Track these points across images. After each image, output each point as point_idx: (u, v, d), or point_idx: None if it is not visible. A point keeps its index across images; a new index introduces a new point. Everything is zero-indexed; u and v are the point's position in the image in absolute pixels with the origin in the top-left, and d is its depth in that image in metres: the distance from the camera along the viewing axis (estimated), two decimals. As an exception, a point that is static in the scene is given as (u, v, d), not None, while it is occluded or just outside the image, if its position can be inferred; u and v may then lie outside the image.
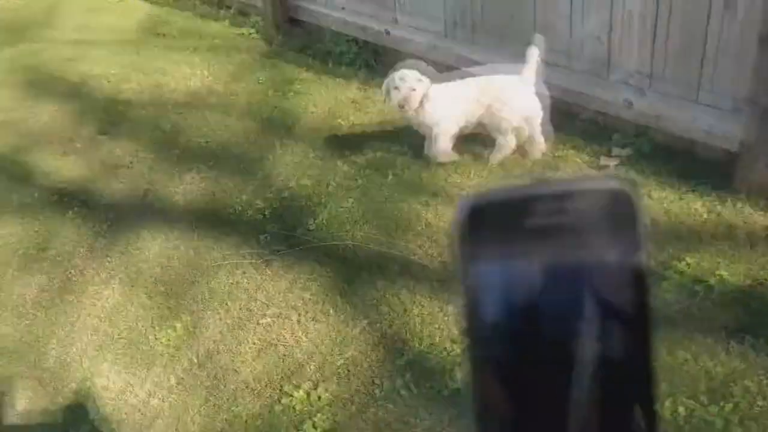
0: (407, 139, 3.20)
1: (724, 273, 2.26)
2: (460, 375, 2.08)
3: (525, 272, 0.30)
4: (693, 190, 2.64)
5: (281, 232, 2.87)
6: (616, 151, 2.93)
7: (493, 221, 0.30)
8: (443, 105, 2.94)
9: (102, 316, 2.69)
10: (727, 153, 2.66)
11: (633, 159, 2.87)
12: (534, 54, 2.78)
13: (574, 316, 0.29)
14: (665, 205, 2.61)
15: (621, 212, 0.30)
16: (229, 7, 5.14)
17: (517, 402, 0.30)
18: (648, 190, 2.69)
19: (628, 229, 0.30)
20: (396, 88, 2.95)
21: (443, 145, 3.00)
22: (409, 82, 2.93)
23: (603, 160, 2.88)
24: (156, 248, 2.96)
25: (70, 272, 2.93)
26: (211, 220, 3.03)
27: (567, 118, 3.21)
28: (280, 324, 2.47)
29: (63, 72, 4.60)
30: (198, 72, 4.35)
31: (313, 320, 2.44)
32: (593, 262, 0.29)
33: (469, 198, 0.30)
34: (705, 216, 2.52)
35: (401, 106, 2.96)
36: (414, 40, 3.73)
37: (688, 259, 2.32)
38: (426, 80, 2.96)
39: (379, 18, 3.96)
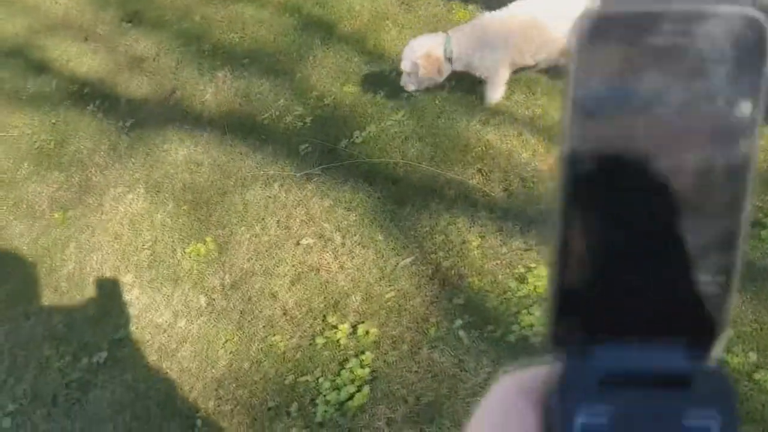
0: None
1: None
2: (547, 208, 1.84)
3: (639, 92, 0.28)
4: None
5: (324, 143, 2.59)
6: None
7: (613, 35, 0.27)
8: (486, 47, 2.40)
9: (125, 222, 2.46)
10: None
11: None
12: None
13: (677, 148, 0.28)
14: (763, 142, 2.30)
15: (749, 40, 0.27)
16: None
17: (608, 225, 0.29)
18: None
19: (753, 60, 0.27)
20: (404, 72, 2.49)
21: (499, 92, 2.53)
22: (409, 58, 2.44)
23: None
24: (184, 152, 2.69)
25: (91, 171, 2.68)
26: (246, 125, 2.75)
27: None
28: (322, 246, 2.22)
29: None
30: (231, -41, 3.95)
31: (359, 245, 2.19)
32: (708, 94, 0.27)
33: (590, 8, 0.27)
34: (810, 158, 2.22)
35: (412, 87, 2.52)
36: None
37: (792, 207, 2.03)
38: (437, 40, 2.42)
39: None
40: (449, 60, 2.44)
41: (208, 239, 2.33)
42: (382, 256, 2.15)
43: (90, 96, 3.04)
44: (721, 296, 0.30)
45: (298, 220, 2.32)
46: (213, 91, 2.98)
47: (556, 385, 0.29)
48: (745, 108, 0.28)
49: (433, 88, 2.57)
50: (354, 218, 2.28)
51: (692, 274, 0.29)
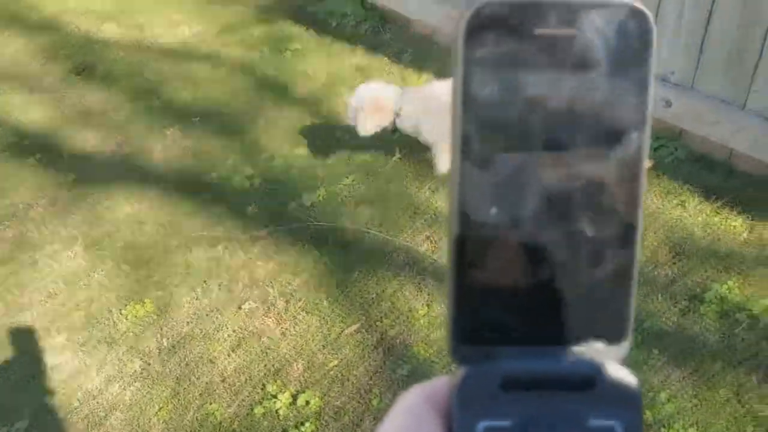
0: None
1: (770, 302, 2.03)
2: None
3: (528, 83, 0.27)
4: (731, 205, 2.40)
5: (271, 205, 2.56)
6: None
7: (500, 25, 0.27)
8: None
9: (59, 281, 2.36)
10: (772, 168, 2.43)
11: (666, 163, 2.62)
12: None
13: (569, 142, 0.28)
14: (701, 218, 2.37)
15: (634, 31, 0.27)
16: (225, -47, 4.74)
17: (506, 226, 0.28)
18: (682, 199, 2.44)
19: (639, 51, 0.28)
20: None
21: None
22: (356, 101, 2.48)
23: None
24: (127, 209, 2.62)
25: (27, 226, 2.58)
26: (192, 184, 2.70)
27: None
28: (265, 311, 2.16)
29: (35, 2, 4.16)
30: (187, 20, 3.96)
31: (303, 311, 2.14)
32: (595, 87, 0.28)
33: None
34: (745, 235, 2.29)
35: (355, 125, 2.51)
36: (427, 6, 3.41)
37: (730, 283, 2.08)
38: (390, 91, 2.47)
39: (393, -19, 3.62)
40: (397, 114, 2.46)
41: (147, 300, 2.24)
42: (327, 322, 2.10)
43: (31, 148, 2.95)
44: (622, 299, 0.29)
45: (241, 284, 2.26)
46: (161, 148, 2.93)
47: (459, 391, 0.29)
48: (634, 101, 0.28)
49: (382, 144, 2.59)
50: (299, 283, 2.24)
51: (591, 278, 0.29)
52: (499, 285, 0.29)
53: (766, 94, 2.41)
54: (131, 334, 2.16)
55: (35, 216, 2.61)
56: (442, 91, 2.42)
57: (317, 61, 3.44)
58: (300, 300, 2.18)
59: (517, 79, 0.28)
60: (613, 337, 0.30)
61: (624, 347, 0.30)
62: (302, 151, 2.83)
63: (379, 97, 2.45)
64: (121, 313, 2.22)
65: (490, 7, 0.27)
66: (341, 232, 2.40)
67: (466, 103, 0.28)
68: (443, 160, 2.52)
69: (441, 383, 0.30)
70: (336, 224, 2.43)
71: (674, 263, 2.19)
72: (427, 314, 2.08)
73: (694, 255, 2.21)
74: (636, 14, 0.28)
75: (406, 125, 2.49)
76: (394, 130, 2.54)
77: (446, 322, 0.29)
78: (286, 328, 2.10)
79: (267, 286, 2.24)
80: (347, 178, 2.65)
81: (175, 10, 4.06)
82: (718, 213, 2.38)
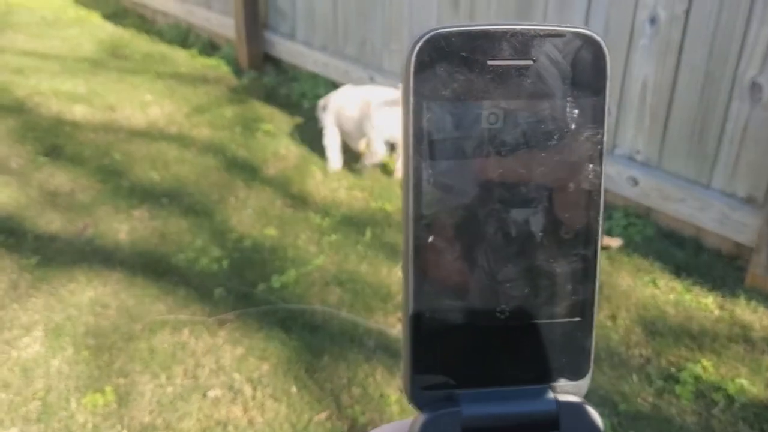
0: (388, 194, 2.91)
1: (745, 381, 2.01)
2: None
3: (481, 114, 0.27)
4: (701, 283, 2.41)
5: (239, 288, 2.50)
6: (616, 231, 2.70)
7: (452, 55, 0.26)
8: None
9: (16, 369, 2.25)
10: (739, 246, 2.45)
11: (635, 241, 2.64)
12: None
13: (525, 166, 0.27)
14: (672, 296, 2.37)
15: (589, 60, 0.27)
16: (198, 36, 4.83)
17: (459, 267, 0.27)
18: (653, 277, 2.45)
19: (593, 79, 0.27)
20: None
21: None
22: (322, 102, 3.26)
23: (605, 240, 2.64)
24: (90, 293, 2.54)
25: (-16, 312, 2.48)
26: (159, 266, 2.64)
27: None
28: (231, 398, 2.08)
29: (7, 83, 4.17)
30: (158, 100, 3.99)
31: (271, 398, 2.06)
32: (551, 111, 0.27)
33: (426, 29, 0.26)
34: (717, 313, 2.28)
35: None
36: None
37: (704, 362, 2.06)
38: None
39: (364, 62, 3.71)
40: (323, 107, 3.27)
41: (107, 389, 2.14)
42: (296, 410, 2.03)
43: (-6, 230, 2.88)
44: (582, 335, 0.29)
45: (207, 369, 2.18)
46: (128, 229, 2.88)
47: None
48: (588, 130, 0.27)
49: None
50: (267, 368, 2.16)
51: (550, 312, 0.28)
52: (456, 328, 0.28)
53: (728, 173, 2.47)
54: (90, 425, 2.05)
55: (-7, 301, 2.52)
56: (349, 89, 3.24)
57: (288, 142, 3.46)
58: (267, 386, 2.10)
59: (468, 110, 0.27)
60: (574, 373, 0.29)
61: (585, 382, 0.29)
62: (272, 231, 2.81)
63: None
64: (80, 403, 2.11)
65: (440, 36, 0.26)
66: (311, 315, 2.35)
67: (417, 134, 0.26)
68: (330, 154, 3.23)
69: (399, 428, 0.29)
70: (306, 306, 2.39)
71: (648, 343, 2.17)
72: (399, 399, 2.01)
73: (668, 334, 2.19)
74: (590, 43, 0.27)
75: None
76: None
77: (404, 368, 0.29)
78: (253, 416, 2.01)
79: (233, 371, 2.16)
80: (318, 258, 2.62)
81: (147, 91, 4.09)
82: (689, 290, 2.39)
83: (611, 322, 2.27)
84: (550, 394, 0.28)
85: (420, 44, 0.26)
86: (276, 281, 2.50)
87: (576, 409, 0.28)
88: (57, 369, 2.25)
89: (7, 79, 4.23)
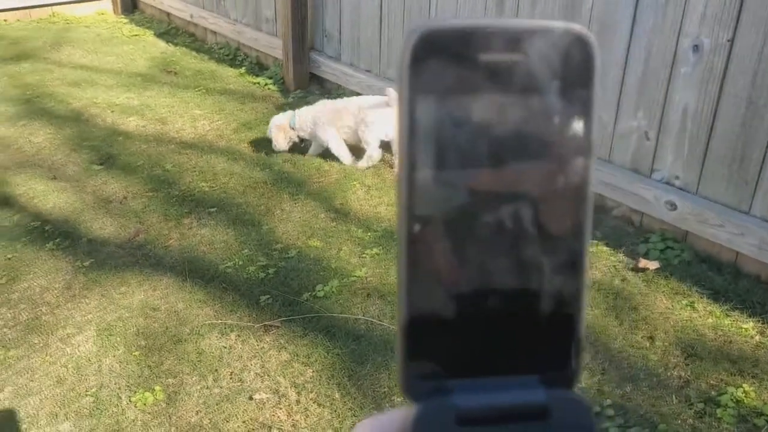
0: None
1: (785, 407, 2.02)
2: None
3: (473, 107, 0.27)
4: (740, 308, 2.42)
5: (285, 295, 2.58)
6: (654, 254, 2.72)
7: (445, 51, 0.27)
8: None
9: (70, 366, 2.35)
10: (780, 272, 2.47)
11: (672, 265, 2.66)
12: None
13: (516, 160, 0.28)
14: (711, 320, 2.38)
15: (578, 56, 0.28)
16: (247, 56, 4.99)
17: (452, 260, 0.28)
18: (691, 300, 2.47)
19: (582, 75, 0.28)
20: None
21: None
22: (269, 129, 3.61)
23: (642, 263, 2.67)
24: (141, 296, 2.64)
25: (41, 309, 2.60)
26: (207, 273, 2.74)
27: (598, 213, 3.03)
28: (276, 402, 2.15)
29: (65, 95, 4.35)
30: (207, 115, 4.13)
31: (315, 403, 2.13)
32: (542, 105, 0.28)
33: (420, 24, 0.27)
34: (757, 338, 2.29)
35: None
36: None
37: (745, 387, 2.07)
38: (285, 116, 3.60)
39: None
40: (292, 128, 3.57)
41: (157, 388, 2.23)
42: (339, 416, 2.09)
43: (50, 234, 3.02)
44: (572, 325, 0.29)
45: (252, 373, 2.26)
46: (177, 236, 2.99)
47: (412, 426, 0.28)
48: (577, 125, 0.28)
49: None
50: (311, 374, 2.23)
51: (539, 305, 0.29)
52: (450, 319, 0.29)
53: (770, 200, 2.48)
54: (139, 422, 2.13)
55: (50, 299, 2.64)
56: (323, 105, 3.57)
57: (331, 158, 3.56)
58: (311, 391, 2.17)
59: (461, 105, 0.27)
60: (564, 363, 0.30)
61: (576, 372, 0.30)
62: (316, 243, 2.89)
63: (279, 121, 3.57)
64: (130, 401, 2.20)
65: (434, 32, 0.27)
66: (354, 324, 2.42)
67: (412, 129, 0.27)
68: (342, 153, 3.53)
69: (390, 419, 0.30)
70: (348, 316, 2.45)
71: (686, 365, 2.19)
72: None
73: (707, 357, 2.21)
74: (579, 39, 0.28)
75: (303, 134, 3.57)
76: (301, 141, 3.62)
77: (397, 359, 0.29)
78: (297, 420, 2.08)
79: (278, 376, 2.23)
80: (360, 270, 2.69)
81: (197, 106, 4.24)
82: (728, 315, 2.40)
83: (649, 343, 2.30)
84: (541, 385, 0.29)
85: (415, 40, 0.27)
86: (320, 291, 2.58)
87: (566, 399, 0.29)
88: (109, 367, 2.34)
89: (65, 92, 4.41)
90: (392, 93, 3.37)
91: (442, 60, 0.27)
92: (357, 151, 3.53)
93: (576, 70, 0.28)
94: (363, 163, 3.47)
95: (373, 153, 3.44)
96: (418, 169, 0.28)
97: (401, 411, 0.29)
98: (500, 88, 0.27)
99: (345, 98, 3.67)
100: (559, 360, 0.30)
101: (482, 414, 0.28)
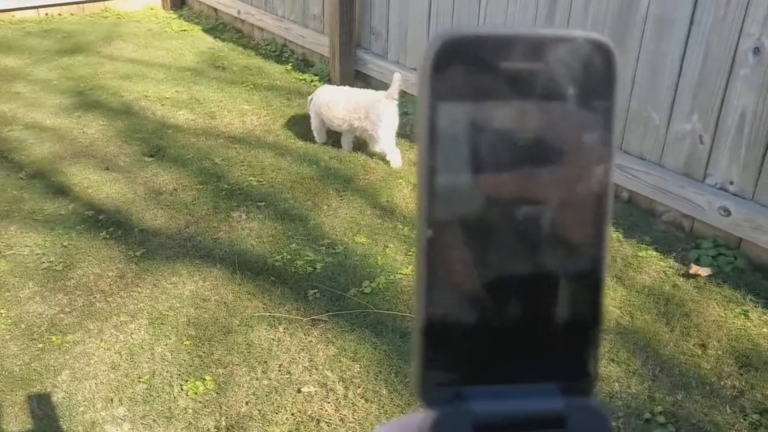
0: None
1: (842, 420, 1.97)
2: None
3: (494, 114, 0.28)
4: (796, 318, 2.37)
5: (332, 290, 2.61)
6: (705, 260, 2.68)
7: (467, 58, 0.27)
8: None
9: (123, 352, 2.41)
10: (838, 282, 2.41)
11: (725, 272, 2.61)
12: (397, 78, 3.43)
13: (536, 167, 0.28)
14: (766, 330, 2.34)
15: (599, 65, 0.28)
16: (293, 53, 5.04)
17: (470, 266, 0.28)
18: (744, 309, 2.42)
19: (603, 84, 0.28)
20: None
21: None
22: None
23: (693, 269, 2.63)
24: (192, 286, 2.70)
25: (95, 297, 2.66)
26: (256, 266, 2.78)
27: (647, 217, 2.99)
28: (324, 396, 2.17)
29: (117, 88, 4.45)
30: (255, 110, 4.18)
31: (362, 398, 2.15)
32: (563, 113, 0.28)
33: (443, 31, 0.27)
34: (814, 349, 2.24)
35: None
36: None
37: (801, 397, 2.03)
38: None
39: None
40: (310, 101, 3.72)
41: (207, 377, 2.27)
42: (386, 411, 2.10)
43: (104, 223, 3.09)
44: (590, 334, 0.29)
45: (300, 366, 2.29)
46: (226, 229, 3.04)
47: (429, 431, 0.28)
48: (597, 134, 0.28)
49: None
50: (358, 369, 2.25)
51: (557, 312, 0.29)
52: (468, 326, 0.29)
53: (831, 209, 2.43)
54: (190, 410, 2.18)
55: (104, 287, 2.71)
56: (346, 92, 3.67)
57: (377, 156, 3.57)
58: (359, 387, 2.19)
59: (482, 112, 0.28)
60: (582, 372, 0.30)
61: (593, 381, 0.30)
62: (363, 239, 2.91)
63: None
64: (182, 389, 2.25)
65: (457, 39, 0.27)
66: (401, 320, 2.43)
67: (433, 135, 0.27)
68: (317, 133, 3.74)
69: (408, 424, 0.30)
70: (396, 312, 2.47)
71: (741, 375, 2.16)
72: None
73: (762, 367, 2.17)
74: (600, 47, 0.28)
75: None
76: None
77: (414, 365, 0.29)
78: (345, 415, 2.10)
79: (326, 370, 2.26)
80: (406, 267, 2.70)
81: (244, 101, 4.29)
82: (783, 325, 2.35)
83: (701, 351, 2.26)
84: (558, 393, 0.29)
85: (438, 47, 0.27)
86: (366, 287, 2.60)
87: (583, 407, 0.29)
88: (161, 355, 2.39)
89: (116, 85, 4.51)
90: (398, 77, 3.45)
91: (464, 67, 0.27)
92: (360, 144, 3.54)
93: (597, 79, 0.28)
94: (397, 163, 3.51)
95: (393, 155, 3.50)
96: (438, 174, 0.28)
97: (418, 415, 0.29)
98: (521, 96, 0.28)
99: (362, 89, 3.73)
100: (577, 368, 0.30)
101: (498, 421, 0.28)
